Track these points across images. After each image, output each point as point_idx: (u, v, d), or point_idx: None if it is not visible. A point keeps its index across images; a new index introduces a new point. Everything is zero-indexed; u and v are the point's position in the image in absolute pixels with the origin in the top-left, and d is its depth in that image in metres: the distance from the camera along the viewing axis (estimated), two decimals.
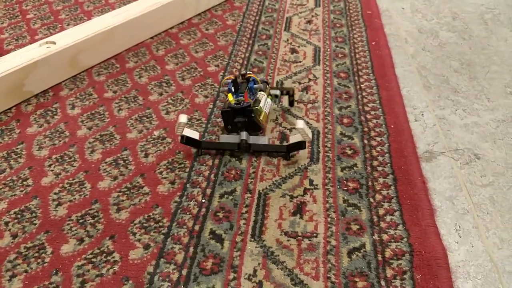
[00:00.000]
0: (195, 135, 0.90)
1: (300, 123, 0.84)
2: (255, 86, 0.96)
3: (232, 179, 0.86)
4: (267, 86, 1.00)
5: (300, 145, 0.88)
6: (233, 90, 0.94)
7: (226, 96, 0.94)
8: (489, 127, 1.00)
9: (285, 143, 0.94)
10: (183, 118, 0.86)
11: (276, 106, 1.05)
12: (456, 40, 1.34)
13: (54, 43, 1.11)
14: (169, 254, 0.72)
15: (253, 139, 0.92)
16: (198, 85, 1.12)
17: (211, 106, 1.04)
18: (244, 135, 0.90)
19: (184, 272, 0.70)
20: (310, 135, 0.86)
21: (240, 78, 0.98)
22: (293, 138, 0.89)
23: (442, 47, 1.31)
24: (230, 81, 0.95)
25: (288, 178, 0.87)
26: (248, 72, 0.98)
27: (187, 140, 0.89)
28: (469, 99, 1.09)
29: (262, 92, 0.97)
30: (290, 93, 1.02)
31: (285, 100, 1.06)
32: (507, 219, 0.78)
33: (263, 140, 0.93)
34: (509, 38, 1.34)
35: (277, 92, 1.02)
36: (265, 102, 0.95)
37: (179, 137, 0.89)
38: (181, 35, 1.33)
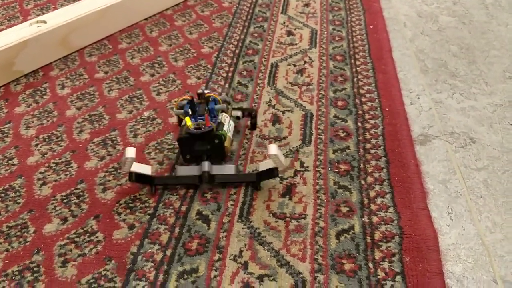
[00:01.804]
0: (146, 170, 0.76)
1: (272, 148, 0.71)
2: (216, 106, 0.82)
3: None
4: (229, 106, 0.86)
5: (271, 173, 0.76)
6: (190, 112, 0.79)
7: (183, 120, 0.80)
8: (486, 111, 0.98)
9: (254, 171, 0.81)
10: (130, 153, 0.71)
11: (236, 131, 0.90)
12: (456, 24, 1.31)
13: (45, 22, 1.09)
14: (154, 235, 0.71)
15: (216, 169, 0.78)
16: (191, 67, 1.10)
17: (203, 87, 1.02)
18: (206, 165, 0.77)
19: (168, 252, 0.68)
20: (285, 161, 0.75)
21: (198, 98, 0.83)
22: (264, 165, 0.77)
23: (441, 31, 1.28)
24: (185, 102, 0.81)
25: None
26: (207, 91, 0.83)
27: (137, 177, 0.75)
28: (467, 83, 1.07)
29: (224, 114, 0.83)
30: (252, 114, 0.89)
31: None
32: (501, 203, 0.77)
33: (229, 169, 0.79)
34: (509, 23, 1.31)
35: (238, 113, 0.88)
36: (228, 125, 0.82)
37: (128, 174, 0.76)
38: (176, 16, 1.30)
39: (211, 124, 0.78)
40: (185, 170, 0.79)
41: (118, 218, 0.74)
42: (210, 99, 0.82)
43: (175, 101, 0.83)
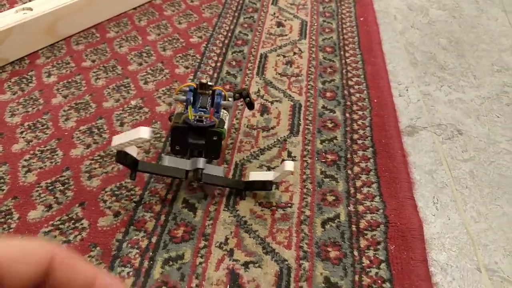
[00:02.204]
0: (133, 151, 0.68)
1: (289, 165, 0.67)
2: (223, 103, 0.75)
3: None
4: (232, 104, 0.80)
5: (262, 186, 0.71)
6: (191, 100, 0.73)
7: (184, 107, 0.73)
8: (474, 103, 0.98)
9: (243, 179, 0.77)
10: (145, 133, 0.61)
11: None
12: (446, 18, 1.32)
13: (31, 9, 1.07)
14: (139, 222, 0.70)
15: (206, 168, 0.72)
16: (179, 56, 1.09)
17: (191, 77, 1.02)
18: (201, 162, 0.70)
19: (154, 239, 0.68)
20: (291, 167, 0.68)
21: (200, 88, 0.75)
22: (256, 176, 0.71)
23: (432, 24, 1.28)
24: (188, 89, 0.74)
25: (266, 149, 0.85)
26: (211, 84, 0.76)
27: (124, 158, 0.66)
28: (455, 76, 1.07)
29: (224, 111, 0.77)
30: (243, 94, 0.81)
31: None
32: (486, 193, 0.77)
33: (217, 170, 0.73)
34: (499, 18, 1.32)
35: (230, 99, 0.81)
36: (227, 123, 0.77)
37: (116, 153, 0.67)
38: (165, 6, 1.29)
39: (214, 119, 0.71)
40: (173, 161, 0.71)
41: (103, 205, 0.73)
42: (216, 92, 0.75)
43: (178, 87, 0.76)
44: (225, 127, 0.73)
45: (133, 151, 0.70)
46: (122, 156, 0.66)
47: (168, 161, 0.72)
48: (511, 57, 1.14)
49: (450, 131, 0.90)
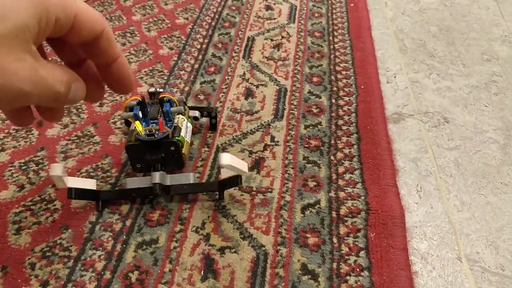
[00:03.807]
0: (90, 184, 0.66)
1: (224, 158, 0.59)
2: (172, 109, 0.69)
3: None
4: (186, 107, 0.76)
5: (234, 181, 0.65)
6: (140, 115, 0.67)
7: (132, 124, 0.69)
8: (462, 92, 0.97)
9: (215, 178, 0.73)
10: (57, 170, 0.59)
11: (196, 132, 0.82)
12: (437, 6, 1.30)
13: None
14: (114, 204, 0.68)
15: (172, 179, 0.68)
16: (164, 37, 1.06)
17: (175, 58, 0.99)
18: (157, 176, 0.66)
19: (128, 222, 0.66)
20: (245, 167, 0.64)
21: (149, 98, 0.71)
22: (226, 172, 0.66)
23: (422, 12, 1.26)
24: (135, 103, 0.67)
25: (249, 134, 0.83)
26: (161, 91, 0.70)
27: (78, 194, 0.64)
28: (444, 64, 1.05)
29: (181, 116, 0.71)
30: (212, 114, 0.80)
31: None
32: (470, 183, 0.76)
33: (186, 178, 0.69)
34: (491, 7, 1.30)
35: (196, 113, 0.78)
36: (186, 129, 0.72)
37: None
38: None
39: (166, 129, 0.66)
40: (135, 182, 0.68)
41: None
42: (165, 99, 0.70)
43: (125, 103, 0.69)
44: (182, 134, 0.69)
45: (90, 184, 0.66)
46: (72, 194, 0.63)
47: (131, 183, 0.68)
48: (501, 46, 1.12)
49: (436, 119, 0.89)
